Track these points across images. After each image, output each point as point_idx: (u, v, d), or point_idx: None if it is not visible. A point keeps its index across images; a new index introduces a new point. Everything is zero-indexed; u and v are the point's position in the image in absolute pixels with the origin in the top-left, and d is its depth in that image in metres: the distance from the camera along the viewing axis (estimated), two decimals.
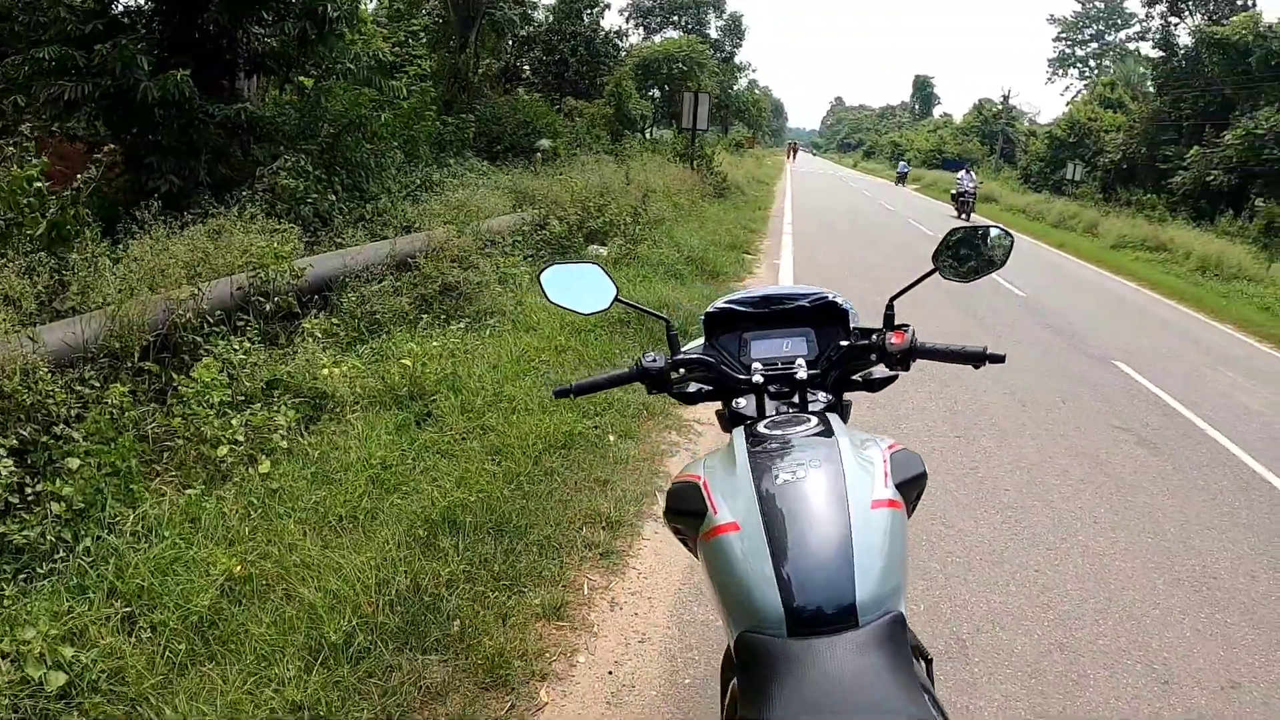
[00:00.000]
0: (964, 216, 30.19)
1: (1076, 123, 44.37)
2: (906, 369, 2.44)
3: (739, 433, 2.20)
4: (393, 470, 5.14)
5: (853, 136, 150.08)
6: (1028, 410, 8.47)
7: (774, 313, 2.58)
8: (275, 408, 5.57)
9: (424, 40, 18.52)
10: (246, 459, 5.00)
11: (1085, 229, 28.35)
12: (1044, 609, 4.85)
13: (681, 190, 19.92)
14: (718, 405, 2.59)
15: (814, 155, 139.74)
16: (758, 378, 2.34)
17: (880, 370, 2.51)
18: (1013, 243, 2.63)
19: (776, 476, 1.92)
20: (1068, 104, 56.07)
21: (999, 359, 2.37)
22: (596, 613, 4.31)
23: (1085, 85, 67.05)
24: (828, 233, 21.85)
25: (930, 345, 2.41)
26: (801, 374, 2.32)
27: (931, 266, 2.52)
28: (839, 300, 2.57)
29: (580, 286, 2.57)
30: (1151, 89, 42.06)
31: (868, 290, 13.60)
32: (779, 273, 14.41)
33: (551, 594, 4.29)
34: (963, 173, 32.20)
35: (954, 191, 32.11)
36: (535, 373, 7.13)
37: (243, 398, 5.58)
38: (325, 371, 6.10)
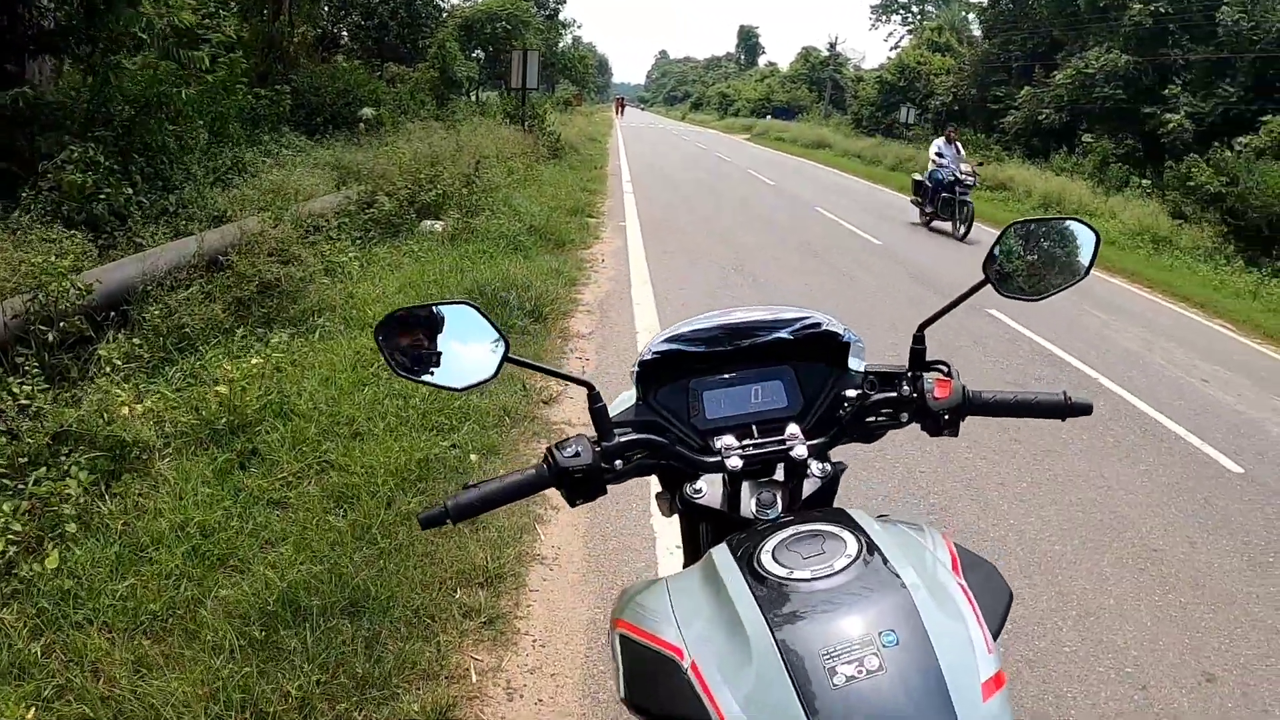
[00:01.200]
0: (959, 229, 16.98)
1: (906, 66, 44.87)
2: (955, 432, 1.70)
3: (726, 562, 1.37)
4: (215, 538, 4.06)
5: (679, 89, 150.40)
6: None
7: (737, 350, 1.74)
8: (65, 467, 4.33)
9: (234, 8, 16.63)
10: (28, 549, 3.79)
11: (922, 170, 28.22)
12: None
13: (515, 154, 18.73)
14: (653, 481, 1.78)
15: (642, 109, 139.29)
16: (733, 461, 1.56)
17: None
18: (1099, 241, 1.78)
19: (833, 672, 1.15)
20: (893, 49, 56.93)
21: (1085, 409, 1.74)
22: (492, 707, 3.35)
23: (909, 30, 68.20)
24: (670, 190, 21.05)
25: (990, 396, 1.73)
26: (800, 450, 1.57)
27: (981, 277, 1.75)
28: (835, 327, 1.76)
29: (446, 341, 1.56)
30: (978, 32, 42.89)
31: (732, 256, 12.88)
32: (626, 235, 13.52)
33: (433, 692, 3.29)
34: (941, 144, 18.16)
35: (927, 177, 18.09)
36: (376, 382, 6.02)
37: (25, 459, 4.31)
38: (125, 411, 4.85)
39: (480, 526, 4.44)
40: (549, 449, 1.54)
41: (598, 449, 1.55)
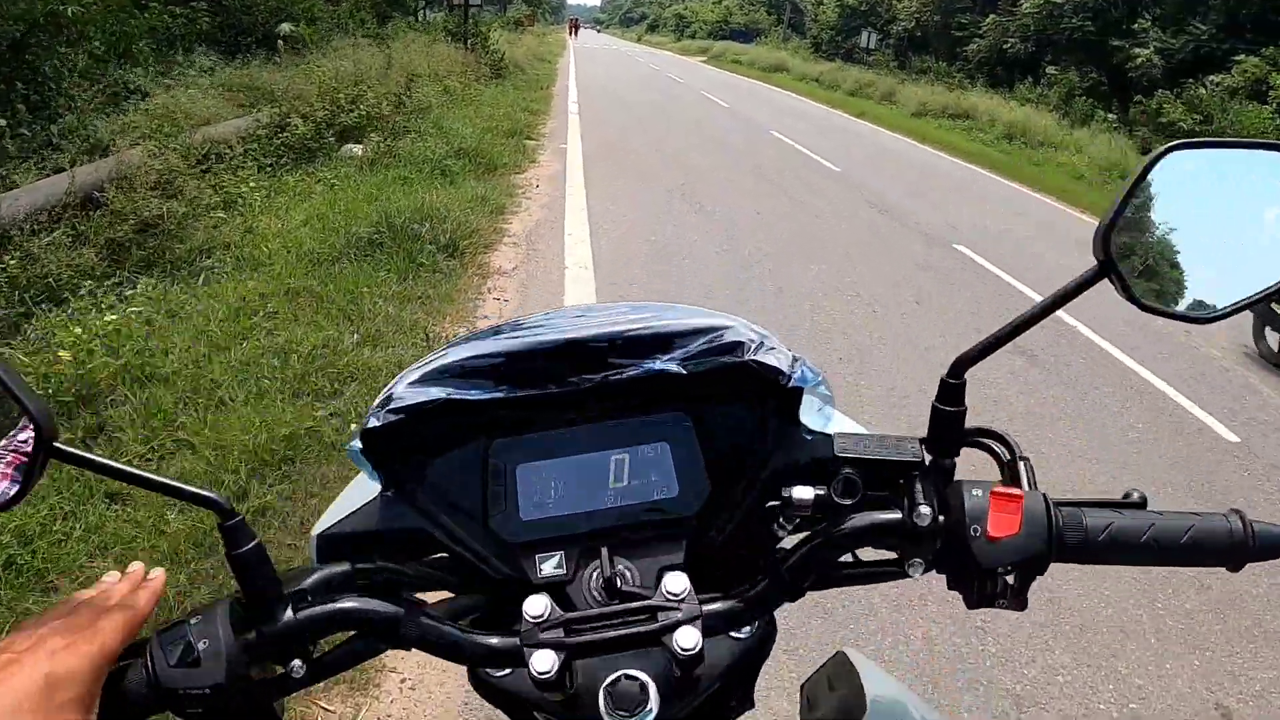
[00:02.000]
0: None
1: None
2: (1021, 604, 0.81)
3: None
4: (36, 545, 3.21)
5: (636, 10, 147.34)
6: (879, 318, 7.02)
7: (572, 392, 0.88)
8: None
9: None
10: None
11: (883, 97, 27.35)
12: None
13: (453, 73, 17.49)
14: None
15: (597, 31, 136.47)
16: (542, 662, 0.76)
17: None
18: None
19: None
20: None
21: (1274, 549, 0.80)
22: None
23: None
24: (619, 111, 19.93)
25: (1101, 529, 0.80)
26: (687, 639, 0.76)
27: (1095, 266, 0.78)
28: (772, 355, 0.87)
29: None
30: None
31: (680, 180, 11.92)
32: (566, 159, 12.49)
33: None
34: None
35: None
36: (255, 335, 5.11)
37: None
38: None
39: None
40: (146, 651, 0.75)
41: (249, 637, 0.77)
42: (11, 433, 0.73)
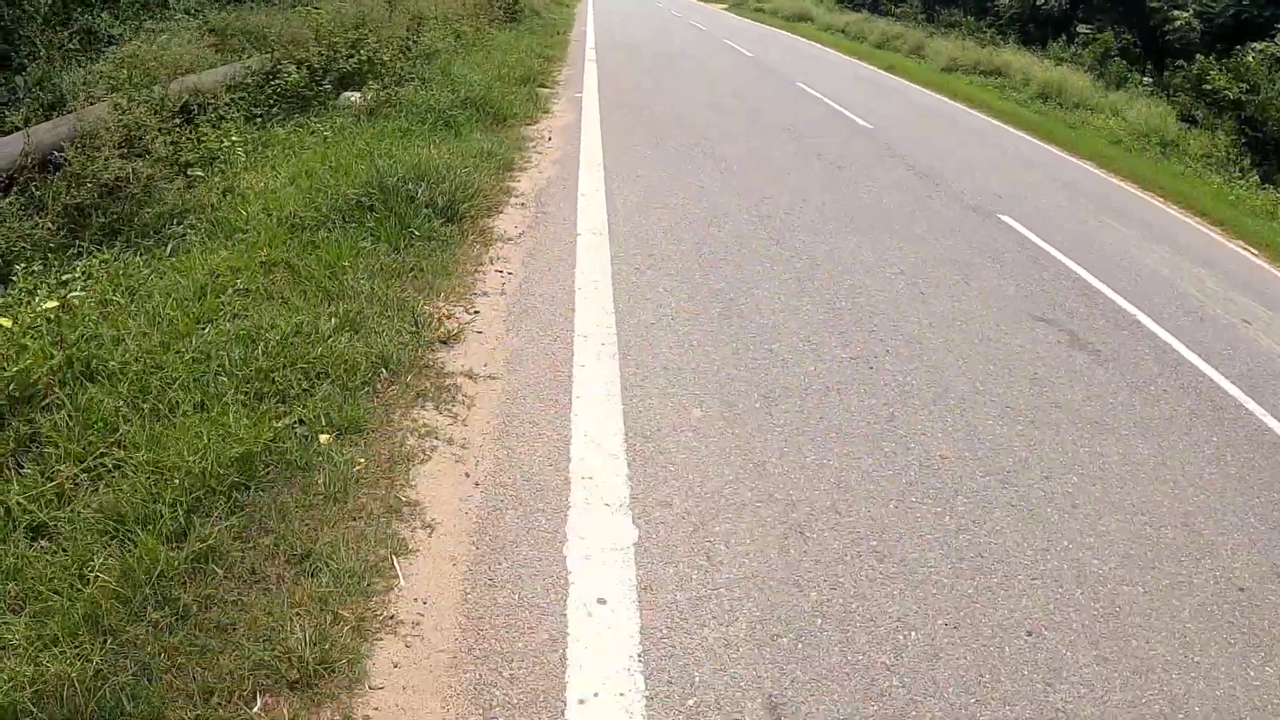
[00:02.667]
0: None
1: None
2: None
3: None
4: None
5: None
6: (929, 300, 6.31)
7: None
8: None
9: None
10: None
11: (911, 50, 26.11)
12: None
13: (464, 16, 16.58)
14: None
15: None
16: None
17: None
18: None
19: None
20: None
21: None
22: None
23: None
24: (638, 58, 19.01)
25: None
26: None
27: None
28: None
29: None
30: None
31: (701, 136, 11.13)
32: (582, 108, 11.69)
33: None
34: None
35: None
36: (220, 318, 4.44)
37: None
38: None
39: (313, 562, 2.94)
40: None
41: None
42: None
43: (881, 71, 21.93)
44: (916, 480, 4.02)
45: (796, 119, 13.43)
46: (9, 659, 2.42)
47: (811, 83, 17.54)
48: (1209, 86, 17.56)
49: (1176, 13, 22.23)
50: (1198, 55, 19.22)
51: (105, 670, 2.42)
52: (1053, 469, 4.34)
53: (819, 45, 29.03)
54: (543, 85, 13.14)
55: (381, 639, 2.79)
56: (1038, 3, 26.91)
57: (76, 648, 2.47)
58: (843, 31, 32.10)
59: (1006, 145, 14.05)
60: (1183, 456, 4.72)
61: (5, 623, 2.56)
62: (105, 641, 2.51)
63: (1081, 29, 24.62)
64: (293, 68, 9.33)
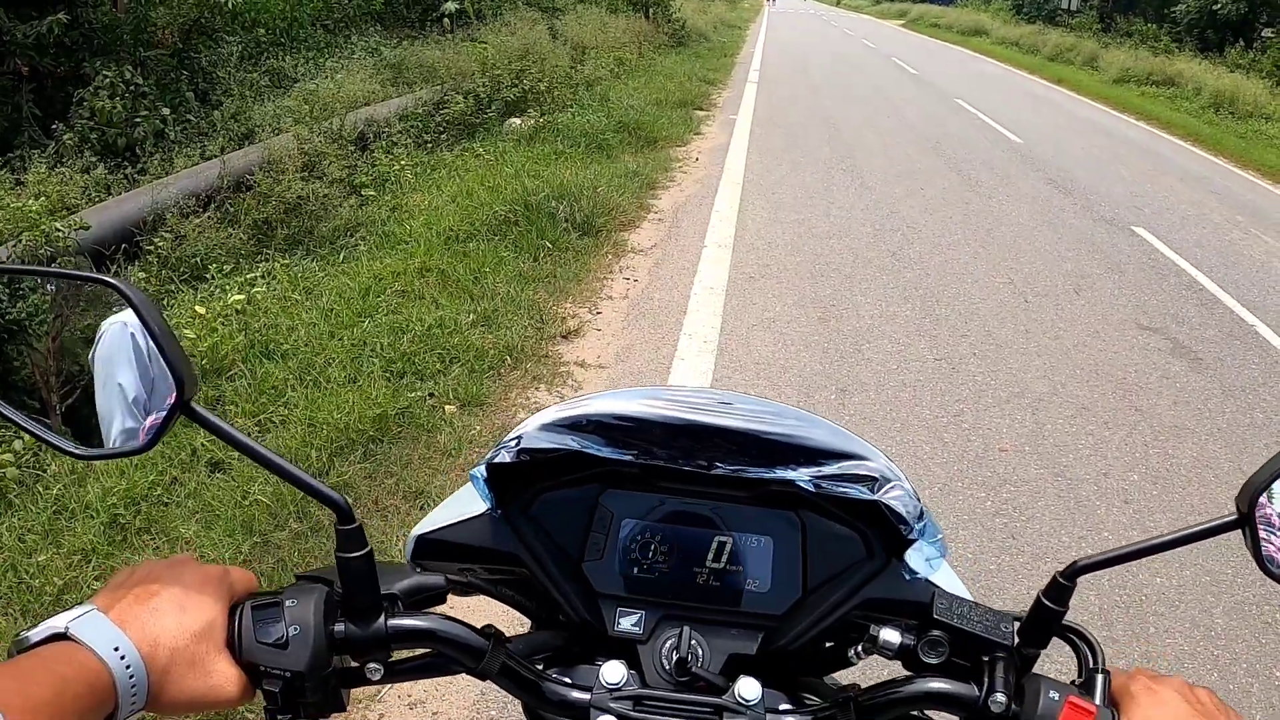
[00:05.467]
0: None
1: None
2: None
3: None
4: (139, 507, 3.49)
5: None
6: (1031, 308, 6.60)
7: (695, 471, 0.94)
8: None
9: None
10: None
11: (1084, 62, 25.60)
12: None
13: (628, 43, 17.45)
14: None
15: None
16: (614, 706, 0.85)
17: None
18: None
19: None
20: None
21: None
22: None
23: None
24: (800, 78, 19.49)
25: None
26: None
27: (1234, 513, 0.89)
28: (895, 497, 0.91)
29: (101, 372, 0.86)
30: None
31: (844, 153, 11.56)
32: (734, 130, 12.29)
33: None
34: None
35: None
36: (376, 314, 5.28)
37: None
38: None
39: (419, 503, 3.64)
40: (234, 617, 0.80)
41: (337, 632, 0.81)
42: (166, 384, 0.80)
43: (1050, 84, 21.67)
44: (968, 469, 4.41)
45: (946, 134, 13.66)
46: (180, 547, 3.25)
47: (971, 99, 17.62)
48: None
49: None
50: None
51: (251, 558, 3.19)
52: (1113, 467, 4.60)
53: (989, 60, 28.70)
54: (699, 108, 13.84)
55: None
56: (1215, 6, 25.78)
57: (232, 543, 3.26)
58: (1016, 45, 31.61)
59: (1164, 156, 13.82)
60: (1259, 463, 4.89)
61: (184, 523, 3.39)
62: (255, 539, 3.30)
63: (1267, 33, 23.50)
64: (459, 98, 10.32)
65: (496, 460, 0.90)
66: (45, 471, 3.79)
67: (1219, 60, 22.62)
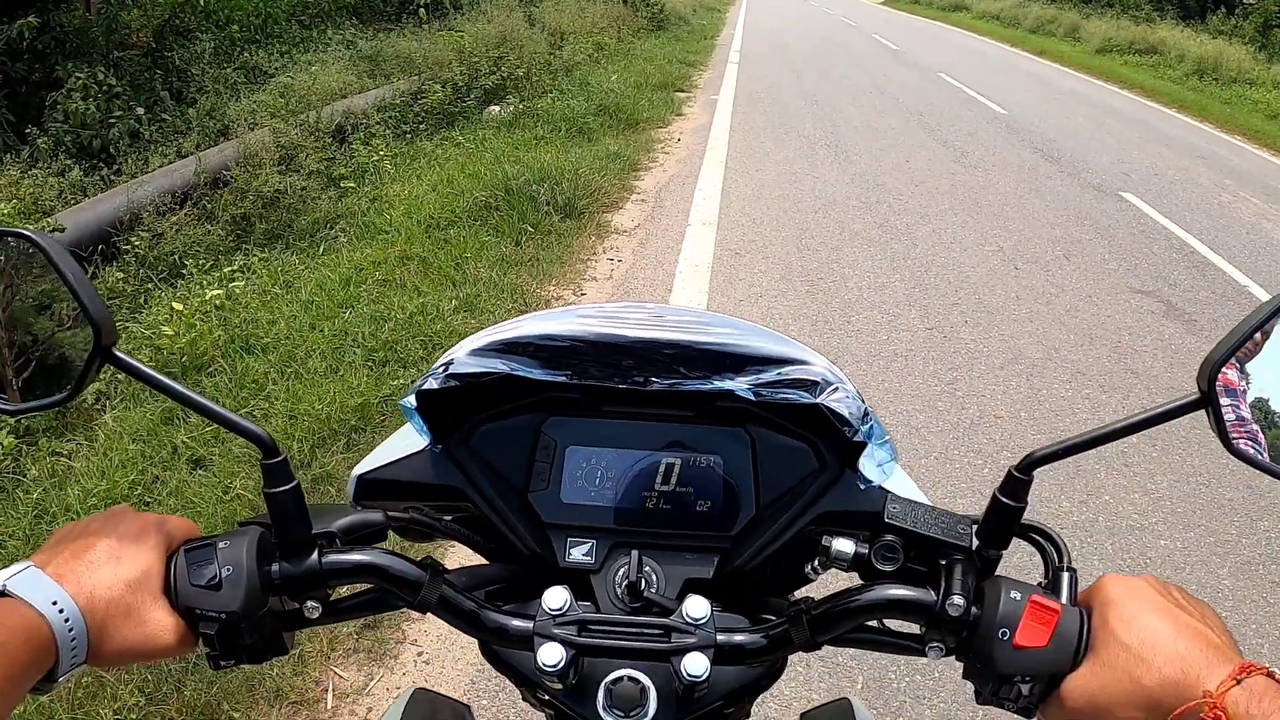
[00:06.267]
0: None
1: None
2: (1030, 713, 0.77)
3: None
4: (124, 502, 3.30)
5: None
6: (1022, 275, 6.52)
7: (639, 390, 0.90)
8: None
9: None
10: None
11: (1066, 33, 25.57)
12: None
13: (606, 28, 17.28)
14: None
15: None
16: (550, 655, 0.79)
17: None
18: None
19: None
20: None
21: None
22: None
23: None
24: (781, 58, 19.34)
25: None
26: (695, 665, 0.79)
27: (1195, 394, 0.76)
28: (839, 399, 0.87)
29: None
30: None
31: (828, 129, 11.47)
32: (715, 110, 12.18)
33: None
34: None
35: None
36: (357, 304, 5.18)
37: None
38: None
39: None
40: (170, 564, 0.79)
41: (272, 572, 0.80)
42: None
43: (1033, 57, 21.63)
44: (964, 436, 4.33)
45: (930, 107, 13.58)
46: None
47: (954, 73, 17.55)
48: None
49: None
50: None
51: None
52: (1126, 445, 4.53)
53: (972, 35, 28.66)
54: (679, 90, 13.69)
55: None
56: None
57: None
58: (997, 19, 31.62)
59: (1150, 124, 13.77)
60: None
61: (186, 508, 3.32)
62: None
63: None
64: (437, 87, 10.19)
65: (425, 387, 0.86)
66: (25, 476, 3.70)
67: (1201, 27, 22.60)
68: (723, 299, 5.74)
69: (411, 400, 0.88)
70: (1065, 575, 0.78)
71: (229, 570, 0.76)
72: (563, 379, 0.88)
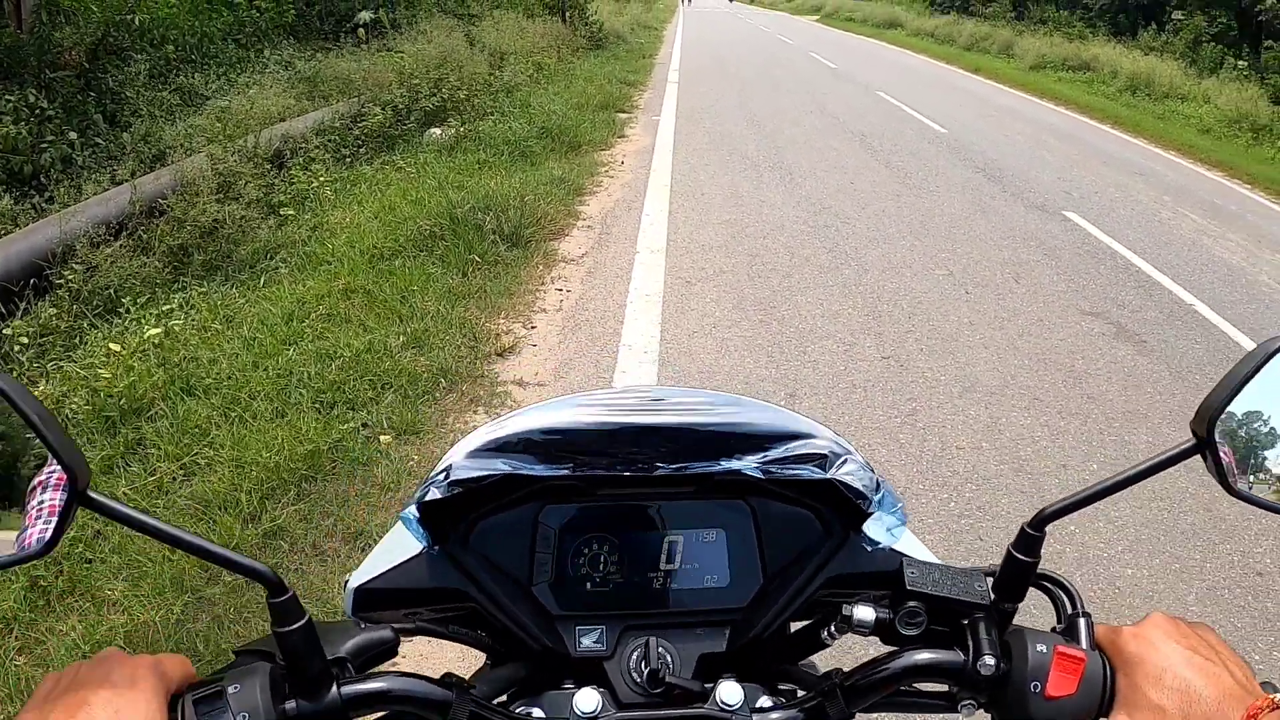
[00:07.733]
0: None
1: None
2: None
3: None
4: (60, 567, 3.19)
5: None
6: (973, 299, 6.51)
7: (636, 476, 0.91)
8: None
9: None
10: None
11: (1000, 50, 25.95)
12: None
13: (545, 48, 17.19)
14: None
15: None
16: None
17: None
18: None
19: None
20: None
21: None
22: None
23: None
24: (721, 77, 19.37)
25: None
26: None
27: (1192, 440, 0.79)
28: (849, 472, 0.91)
29: None
30: None
31: (772, 150, 11.46)
32: (657, 132, 12.13)
33: None
34: None
35: None
36: (301, 340, 4.99)
37: None
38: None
39: (359, 544, 3.38)
40: (175, 712, 0.69)
41: (289, 710, 0.73)
42: (43, 477, 0.71)
43: (968, 74, 21.92)
44: (928, 469, 4.27)
45: (870, 127, 13.64)
46: (107, 609, 2.97)
47: (891, 91, 17.70)
48: None
49: None
50: None
51: (185, 619, 2.92)
52: (1071, 458, 4.50)
53: (906, 52, 29.01)
54: (621, 110, 13.65)
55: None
56: None
57: (163, 602, 2.98)
58: (931, 36, 32.06)
59: (1087, 141, 13.97)
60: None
61: (109, 581, 3.11)
62: (186, 597, 3.02)
63: (1176, 15, 24.05)
64: (377, 109, 9.98)
65: (428, 499, 0.85)
66: None
67: (1133, 44, 23.08)
68: (675, 329, 5.65)
69: (413, 511, 0.87)
70: (1082, 621, 0.79)
71: (244, 718, 0.69)
72: (565, 472, 0.87)
